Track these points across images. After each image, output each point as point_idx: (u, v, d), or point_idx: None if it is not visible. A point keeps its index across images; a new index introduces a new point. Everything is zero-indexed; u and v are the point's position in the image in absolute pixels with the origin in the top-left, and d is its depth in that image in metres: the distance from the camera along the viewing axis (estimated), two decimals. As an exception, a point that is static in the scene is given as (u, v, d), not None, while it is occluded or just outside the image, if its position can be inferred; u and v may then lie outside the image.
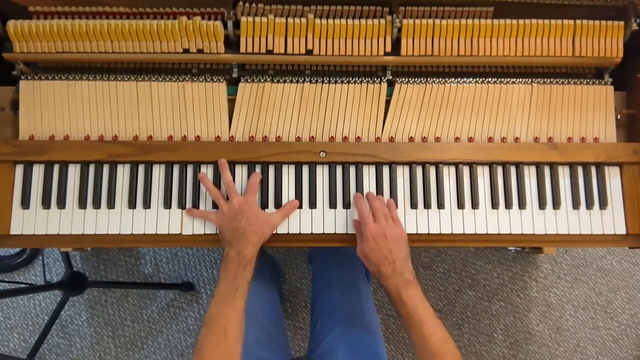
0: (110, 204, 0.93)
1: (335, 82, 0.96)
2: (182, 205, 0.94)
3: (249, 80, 0.96)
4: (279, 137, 0.96)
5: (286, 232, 0.93)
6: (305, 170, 0.95)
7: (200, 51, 0.94)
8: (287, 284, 1.65)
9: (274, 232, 0.92)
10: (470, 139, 0.97)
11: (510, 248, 1.69)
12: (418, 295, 0.82)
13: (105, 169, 0.94)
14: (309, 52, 0.94)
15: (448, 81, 0.97)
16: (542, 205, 0.95)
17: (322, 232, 0.94)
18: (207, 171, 0.95)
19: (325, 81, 0.96)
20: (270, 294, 1.14)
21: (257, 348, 0.96)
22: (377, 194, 0.94)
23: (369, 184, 0.95)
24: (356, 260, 1.15)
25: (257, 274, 1.11)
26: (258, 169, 0.95)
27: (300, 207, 0.94)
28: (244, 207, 0.88)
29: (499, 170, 0.96)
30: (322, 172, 0.95)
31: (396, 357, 1.63)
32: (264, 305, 1.08)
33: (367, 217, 0.88)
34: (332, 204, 0.94)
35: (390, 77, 0.97)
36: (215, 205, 0.93)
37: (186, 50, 0.94)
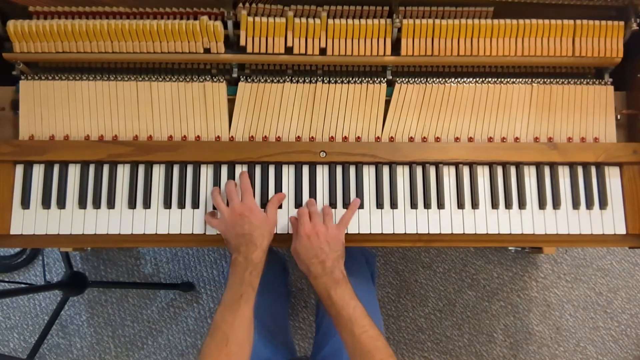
0: (110, 204, 0.93)
1: (335, 82, 0.96)
2: (182, 205, 0.94)
3: (249, 80, 0.96)
4: (279, 137, 0.96)
5: (286, 232, 0.94)
6: (305, 170, 0.95)
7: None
8: (288, 283, 1.65)
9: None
10: (470, 139, 0.97)
11: (510, 248, 1.69)
12: (347, 294, 0.82)
13: (105, 169, 0.94)
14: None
15: (448, 81, 0.97)
16: (542, 205, 0.95)
17: (322, 232, 0.94)
18: (207, 171, 0.95)
19: (326, 81, 0.96)
20: (276, 294, 1.14)
21: (260, 348, 0.96)
22: (377, 193, 0.94)
23: (369, 184, 0.95)
24: (361, 263, 1.15)
25: (264, 273, 1.11)
26: (258, 169, 0.95)
27: (300, 207, 0.94)
28: (244, 211, 0.87)
29: (499, 170, 0.96)
30: (322, 172, 0.95)
31: (396, 356, 1.63)
32: (270, 305, 1.08)
33: (303, 216, 0.89)
34: (332, 204, 0.94)
35: (390, 77, 0.97)
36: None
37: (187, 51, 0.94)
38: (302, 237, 0.86)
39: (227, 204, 0.90)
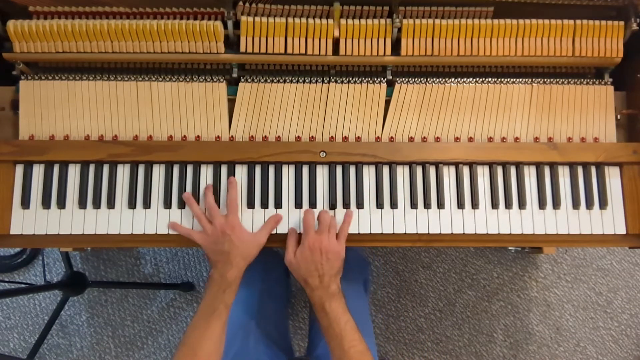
0: (110, 204, 0.93)
1: (336, 82, 0.96)
2: (182, 205, 0.94)
3: (249, 80, 0.96)
4: (279, 137, 0.96)
5: (285, 232, 0.93)
6: (305, 170, 0.95)
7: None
8: (289, 285, 1.65)
9: (274, 231, 0.92)
10: (470, 139, 0.97)
11: (510, 248, 1.69)
12: (341, 308, 0.84)
13: (105, 169, 0.94)
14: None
15: (448, 81, 0.97)
16: (542, 205, 0.95)
17: (322, 232, 0.94)
18: (206, 171, 0.95)
19: (325, 81, 0.96)
20: (278, 298, 1.14)
21: (259, 354, 0.96)
22: (377, 193, 0.94)
23: (369, 184, 0.95)
24: (353, 269, 1.15)
25: (265, 274, 1.11)
26: (258, 169, 0.95)
27: (300, 207, 0.94)
28: (226, 229, 0.87)
29: (499, 170, 0.96)
30: (322, 172, 0.95)
31: (396, 357, 1.63)
32: (272, 311, 1.08)
33: (310, 227, 0.89)
34: (332, 204, 0.94)
35: (390, 77, 0.97)
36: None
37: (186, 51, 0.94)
38: (305, 248, 0.87)
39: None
